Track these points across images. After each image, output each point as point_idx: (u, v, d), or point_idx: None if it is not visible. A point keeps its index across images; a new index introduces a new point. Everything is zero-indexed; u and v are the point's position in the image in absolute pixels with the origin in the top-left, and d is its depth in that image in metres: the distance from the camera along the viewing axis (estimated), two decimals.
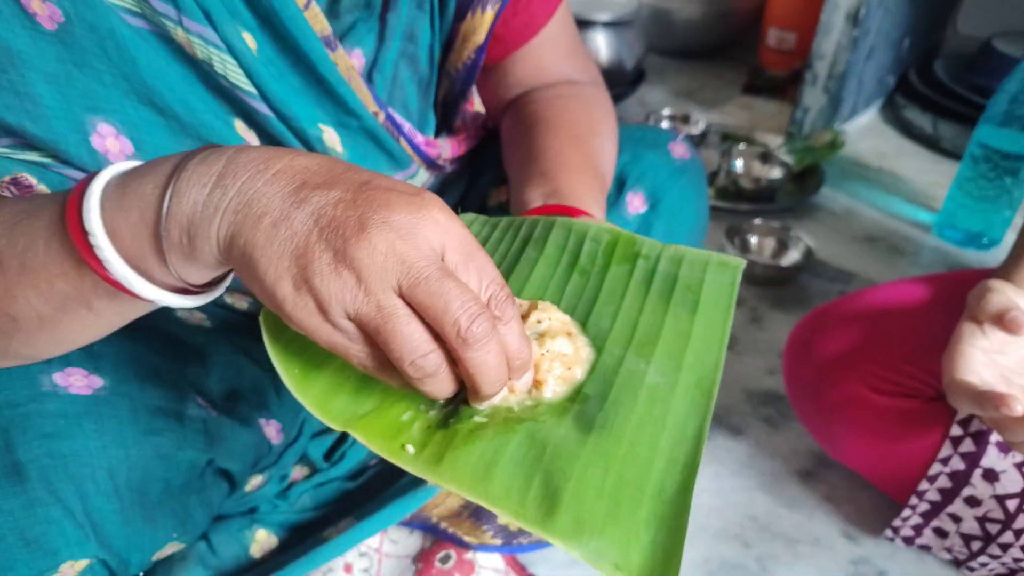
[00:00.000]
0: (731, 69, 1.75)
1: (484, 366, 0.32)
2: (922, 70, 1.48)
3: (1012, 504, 0.60)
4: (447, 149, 0.64)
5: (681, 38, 1.75)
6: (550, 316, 0.39)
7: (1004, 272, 0.58)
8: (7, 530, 0.39)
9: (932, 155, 1.35)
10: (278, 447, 0.58)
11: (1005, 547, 0.62)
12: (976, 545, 0.63)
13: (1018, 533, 0.60)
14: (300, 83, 0.51)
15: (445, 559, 0.64)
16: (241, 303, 0.58)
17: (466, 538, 0.64)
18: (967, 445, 0.60)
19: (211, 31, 0.45)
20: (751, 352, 0.89)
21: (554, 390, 0.37)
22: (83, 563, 0.42)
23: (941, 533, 0.65)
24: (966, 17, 1.65)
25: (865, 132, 1.43)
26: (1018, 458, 0.59)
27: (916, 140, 1.40)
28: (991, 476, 0.60)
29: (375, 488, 0.64)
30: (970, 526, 0.62)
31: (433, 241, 0.32)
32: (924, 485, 0.63)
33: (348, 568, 0.62)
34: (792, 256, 1.04)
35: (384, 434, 0.35)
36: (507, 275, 0.45)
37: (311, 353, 0.37)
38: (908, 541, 0.68)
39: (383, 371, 0.33)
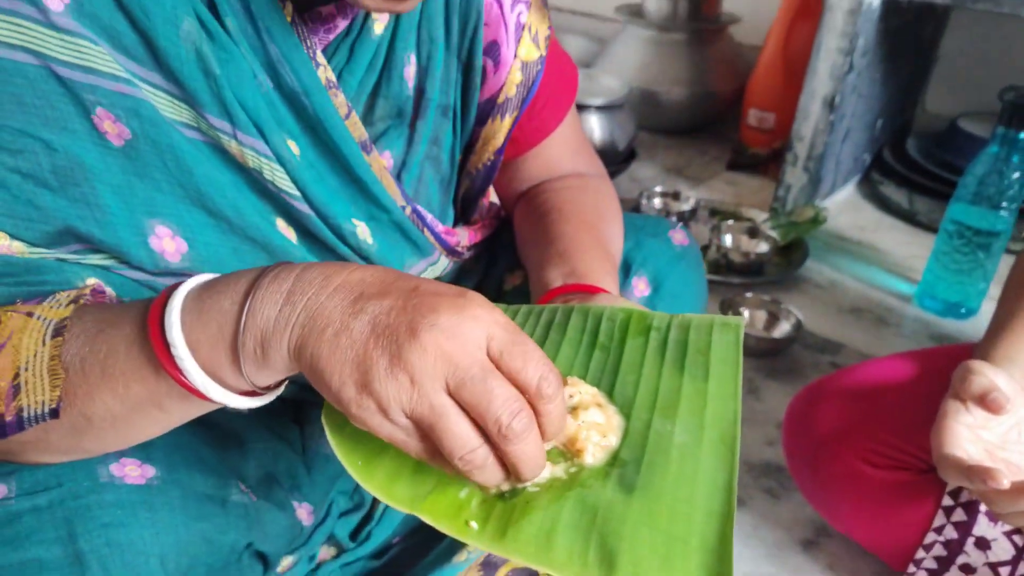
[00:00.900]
0: (715, 146, 1.84)
1: (524, 456, 0.36)
2: (895, 148, 1.57)
3: (1005, 572, 0.63)
4: (465, 237, 0.68)
5: (668, 117, 1.85)
6: (579, 390, 0.43)
7: (983, 351, 0.63)
8: None
9: (909, 228, 1.43)
10: (308, 528, 0.60)
11: None
12: None
13: None
14: (338, 183, 0.55)
15: None
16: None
17: None
18: (959, 515, 0.64)
19: (262, 143, 0.49)
20: (750, 423, 0.93)
21: (594, 455, 0.40)
22: None
23: None
24: (933, 97, 1.76)
25: (844, 207, 1.51)
26: (1008, 527, 0.63)
27: (893, 214, 1.48)
28: (983, 544, 0.63)
29: (400, 566, 0.66)
30: None
31: (478, 337, 0.35)
32: (921, 554, 0.66)
33: None
34: (783, 328, 1.09)
35: (447, 513, 0.38)
36: None
37: (371, 444, 0.41)
38: None
39: (437, 461, 0.36)
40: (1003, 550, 0.63)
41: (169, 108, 0.47)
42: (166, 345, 0.37)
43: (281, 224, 0.54)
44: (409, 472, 0.40)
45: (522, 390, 0.36)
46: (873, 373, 0.74)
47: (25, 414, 0.39)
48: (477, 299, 0.37)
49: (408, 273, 0.38)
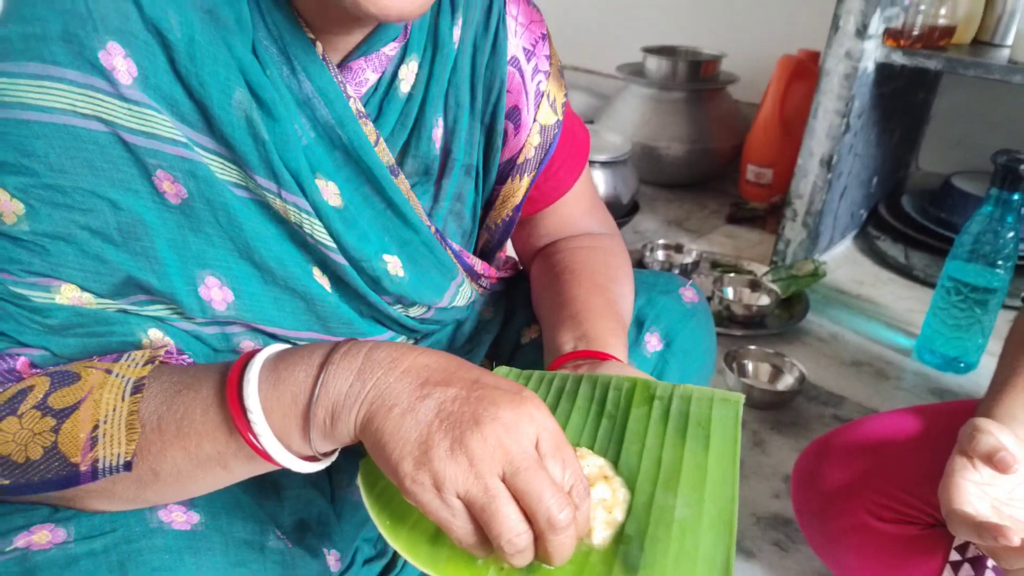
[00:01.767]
0: (714, 199, 1.89)
1: (562, 546, 0.39)
2: (891, 204, 1.63)
3: None
4: (478, 264, 0.72)
5: (668, 172, 1.90)
6: (588, 462, 0.46)
7: (986, 408, 0.65)
8: None
9: (906, 282, 1.47)
10: (335, 574, 0.62)
11: None
12: None
13: None
14: (371, 214, 0.58)
15: None
16: None
17: None
18: (966, 570, 0.66)
19: (303, 200, 0.53)
20: (757, 476, 0.95)
21: (602, 536, 0.42)
22: None
23: None
24: (927, 156, 1.83)
25: (842, 261, 1.55)
26: None
27: (890, 268, 1.52)
28: None
29: None
30: None
31: (531, 434, 0.39)
32: None
33: None
34: (787, 380, 1.12)
35: None
36: None
37: (399, 506, 0.43)
38: None
39: (476, 546, 0.39)
40: None
41: (221, 169, 0.50)
42: (243, 409, 0.40)
43: (317, 274, 0.57)
44: (432, 534, 0.42)
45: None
46: (877, 428, 0.76)
47: (100, 465, 0.41)
48: (532, 399, 0.40)
49: (466, 361, 0.42)
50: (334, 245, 0.55)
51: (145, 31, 0.46)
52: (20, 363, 0.46)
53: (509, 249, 0.82)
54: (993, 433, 0.59)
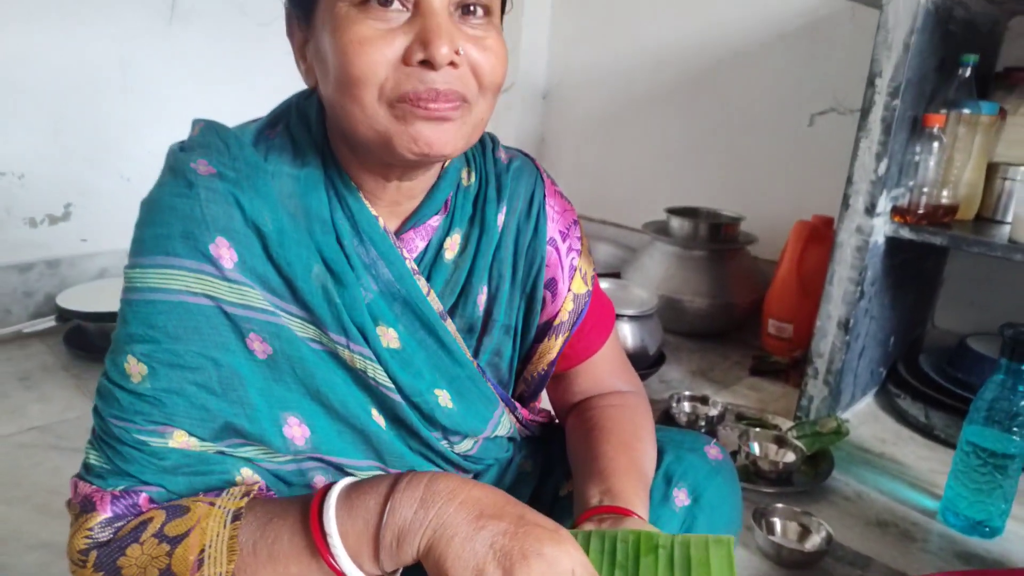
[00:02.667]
0: (737, 351, 1.97)
1: None
2: (909, 362, 1.68)
3: None
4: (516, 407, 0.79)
5: (692, 323, 1.99)
6: None
7: None
8: None
9: (927, 442, 1.50)
10: None
11: None
12: None
13: None
14: (425, 355, 0.67)
15: None
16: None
17: None
18: None
19: (368, 350, 0.63)
20: None
21: None
22: None
23: None
24: (942, 315, 1.90)
25: (865, 418, 1.59)
26: None
27: (911, 427, 1.55)
28: None
29: None
30: None
31: (567, 568, 0.46)
32: None
33: None
34: (815, 540, 1.14)
35: None
36: None
37: None
38: None
39: None
40: None
41: (300, 328, 0.61)
42: (323, 534, 0.47)
43: (375, 413, 0.66)
44: None
45: None
46: None
47: None
48: (568, 538, 0.48)
49: (512, 497, 0.49)
50: (392, 385, 0.64)
51: (245, 227, 0.59)
52: (142, 499, 0.54)
53: (544, 403, 0.90)
54: None
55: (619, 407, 0.82)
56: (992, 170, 1.51)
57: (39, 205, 1.82)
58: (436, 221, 0.70)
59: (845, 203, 1.40)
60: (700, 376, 1.81)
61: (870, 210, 1.38)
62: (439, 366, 0.69)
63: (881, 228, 1.42)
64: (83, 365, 1.66)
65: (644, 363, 1.69)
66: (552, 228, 0.77)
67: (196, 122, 0.65)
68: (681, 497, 0.81)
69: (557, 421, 0.89)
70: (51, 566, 1.04)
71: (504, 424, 0.77)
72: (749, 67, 2.10)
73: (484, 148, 0.76)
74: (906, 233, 1.40)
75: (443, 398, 0.69)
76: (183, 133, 0.64)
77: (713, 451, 0.85)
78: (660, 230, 2.07)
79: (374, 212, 0.65)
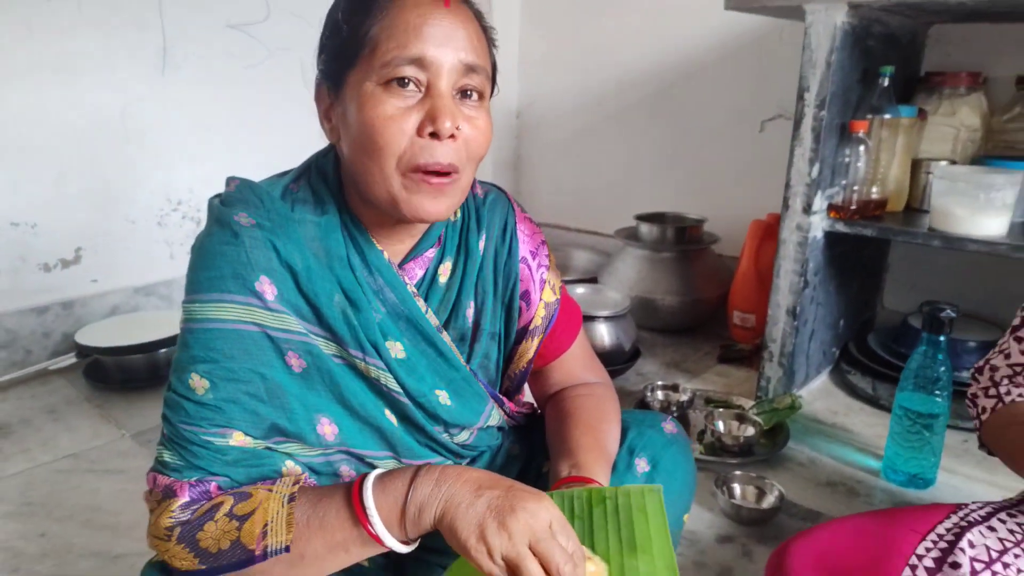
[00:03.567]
0: (706, 342, 2.14)
1: None
2: (859, 342, 1.86)
3: None
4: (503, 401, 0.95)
5: (664, 320, 2.16)
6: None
7: None
8: None
9: (873, 411, 1.67)
10: None
11: None
12: None
13: None
14: (426, 361, 0.82)
15: None
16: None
17: None
18: None
19: (380, 362, 0.78)
20: None
21: None
22: None
23: None
24: (890, 296, 2.08)
25: (819, 394, 1.76)
26: None
27: (860, 399, 1.73)
28: None
29: None
30: None
31: (547, 520, 0.60)
32: None
33: None
34: (769, 500, 1.30)
35: None
36: None
37: None
38: None
39: None
40: None
41: (325, 346, 0.76)
42: (363, 508, 0.62)
43: (388, 413, 0.82)
44: None
45: None
46: (830, 529, 0.95)
47: (269, 549, 0.63)
48: (547, 498, 0.63)
49: (501, 476, 0.64)
50: (401, 390, 0.80)
51: (281, 267, 0.74)
52: (212, 487, 0.70)
53: (528, 396, 1.06)
54: None
55: (587, 396, 0.98)
56: (916, 166, 1.69)
57: (51, 251, 1.96)
58: (431, 253, 0.85)
59: (785, 204, 1.58)
60: (674, 367, 1.98)
61: (807, 209, 1.55)
62: (438, 371, 0.84)
63: (819, 224, 1.59)
64: (104, 396, 1.80)
65: (620, 359, 1.86)
66: (524, 248, 0.93)
67: (231, 179, 0.79)
68: (642, 465, 0.97)
69: (540, 412, 1.04)
70: (103, 569, 1.19)
71: (494, 416, 0.92)
72: (704, 83, 2.28)
73: None
74: (841, 227, 1.57)
75: (443, 397, 0.84)
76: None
77: (669, 426, 1.01)
78: (631, 236, 2.24)
79: (381, 248, 0.80)
